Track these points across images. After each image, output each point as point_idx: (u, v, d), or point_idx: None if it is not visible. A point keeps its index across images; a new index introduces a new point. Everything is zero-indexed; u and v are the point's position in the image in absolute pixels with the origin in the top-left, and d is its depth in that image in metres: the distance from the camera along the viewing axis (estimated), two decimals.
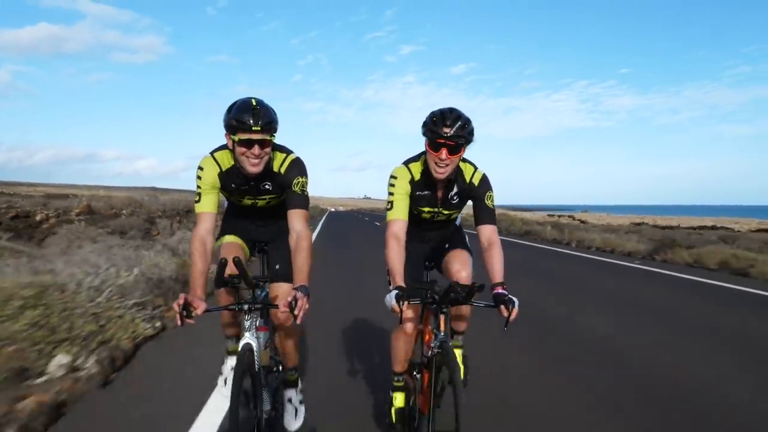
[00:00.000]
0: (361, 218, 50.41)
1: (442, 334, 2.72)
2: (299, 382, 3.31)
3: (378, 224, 35.48)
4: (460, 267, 3.05)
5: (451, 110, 2.76)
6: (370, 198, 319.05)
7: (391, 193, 2.93)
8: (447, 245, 3.25)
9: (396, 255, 2.81)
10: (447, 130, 2.69)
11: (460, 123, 2.71)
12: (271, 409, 3.06)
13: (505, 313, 2.58)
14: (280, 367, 3.30)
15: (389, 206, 2.93)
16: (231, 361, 3.10)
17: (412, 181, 2.94)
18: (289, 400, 3.21)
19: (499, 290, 2.67)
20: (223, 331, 3.20)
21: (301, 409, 3.25)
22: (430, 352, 2.82)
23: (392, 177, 2.96)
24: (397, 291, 2.62)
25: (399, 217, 2.90)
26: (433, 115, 2.78)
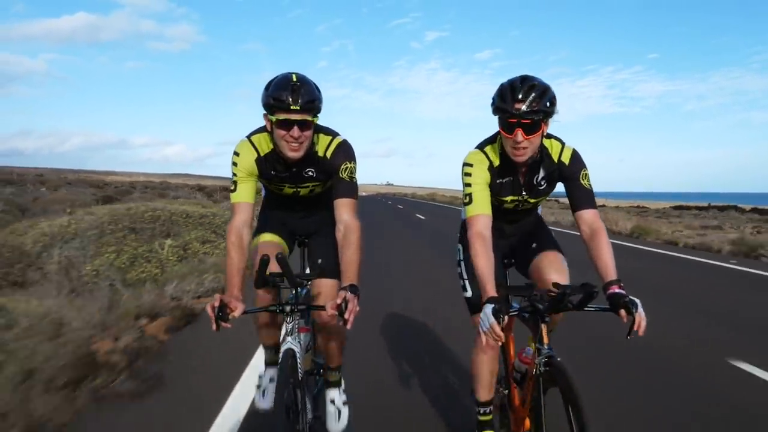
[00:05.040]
0: (384, 202, 54.53)
1: (546, 347, 2.17)
2: (342, 381, 2.95)
3: (401, 207, 38.35)
4: (556, 275, 2.53)
5: (523, 79, 2.24)
6: (392, 184, 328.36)
7: (468, 184, 2.44)
8: (534, 244, 2.74)
9: (484, 259, 2.29)
10: (519, 105, 2.19)
11: (534, 94, 2.19)
12: (314, 417, 2.77)
13: (627, 319, 2.06)
14: (321, 370, 2.96)
15: (467, 199, 2.43)
16: (270, 372, 2.78)
17: (491, 168, 2.46)
18: (332, 401, 2.87)
19: (615, 289, 2.15)
20: (259, 338, 2.86)
21: (345, 411, 2.87)
22: (535, 370, 2.23)
23: (466, 165, 2.46)
24: (493, 305, 2.09)
25: (482, 212, 2.40)
26: (501, 88, 2.29)
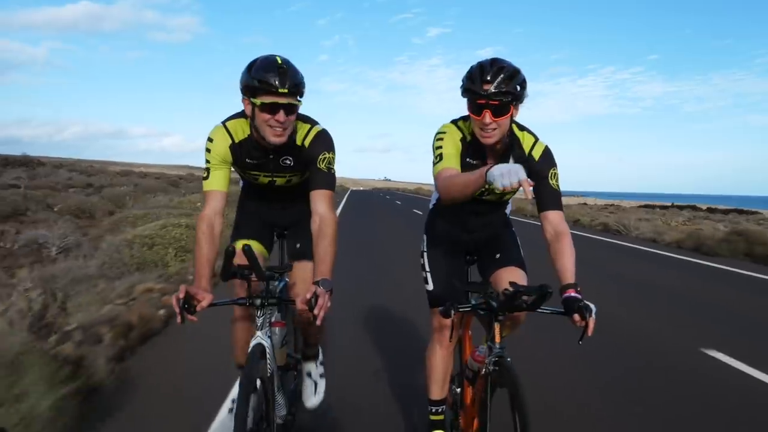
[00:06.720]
0: (377, 194, 61.03)
1: (498, 347, 2.13)
2: (320, 354, 2.94)
3: (388, 197, 42.79)
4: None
5: (493, 61, 2.18)
6: (390, 180, 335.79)
7: (439, 147, 2.31)
8: (498, 255, 2.65)
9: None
10: (487, 87, 2.13)
11: (503, 76, 2.13)
12: (288, 413, 2.65)
13: (580, 323, 2.00)
14: (297, 364, 2.90)
15: (437, 159, 2.29)
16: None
17: (463, 140, 2.36)
18: (308, 374, 2.86)
19: (572, 293, 2.08)
20: (234, 356, 2.68)
21: (321, 384, 2.89)
22: (483, 369, 2.21)
23: (440, 133, 2.37)
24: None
25: (452, 166, 2.26)
26: (470, 69, 2.22)
